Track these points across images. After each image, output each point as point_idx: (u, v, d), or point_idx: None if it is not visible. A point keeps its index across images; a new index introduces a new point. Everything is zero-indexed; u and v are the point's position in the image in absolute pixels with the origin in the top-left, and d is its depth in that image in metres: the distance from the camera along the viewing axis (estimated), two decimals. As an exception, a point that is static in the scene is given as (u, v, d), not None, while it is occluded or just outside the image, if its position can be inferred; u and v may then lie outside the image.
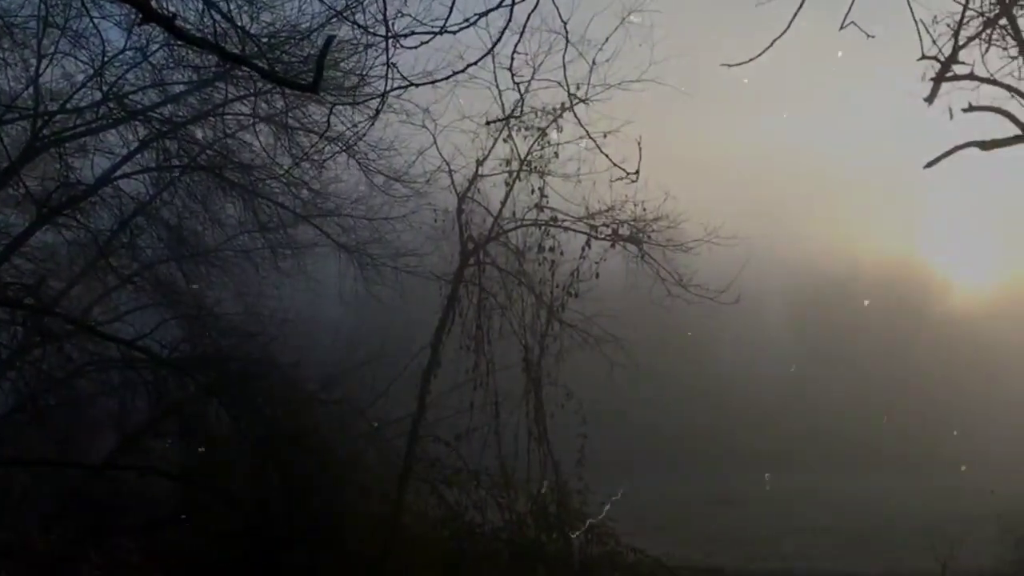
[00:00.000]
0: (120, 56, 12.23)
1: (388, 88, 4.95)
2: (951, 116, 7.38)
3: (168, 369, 13.00)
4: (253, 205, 14.38)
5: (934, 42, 7.24)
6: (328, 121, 10.51)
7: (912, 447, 22.08)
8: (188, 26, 8.63)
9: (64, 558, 11.74)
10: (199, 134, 13.83)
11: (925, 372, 23.85)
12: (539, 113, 13.85)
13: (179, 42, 10.55)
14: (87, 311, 13.77)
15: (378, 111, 6.27)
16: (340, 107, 10.99)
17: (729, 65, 7.30)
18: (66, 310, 13.10)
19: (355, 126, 11.04)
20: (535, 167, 14.19)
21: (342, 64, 11.65)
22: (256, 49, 9.61)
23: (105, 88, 12.27)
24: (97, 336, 12.90)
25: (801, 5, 7.18)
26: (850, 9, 7.12)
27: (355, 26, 6.90)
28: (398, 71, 4.72)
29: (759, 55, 7.22)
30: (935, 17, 7.52)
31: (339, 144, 12.04)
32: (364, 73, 9.43)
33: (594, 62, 11.98)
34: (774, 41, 7.20)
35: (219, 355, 13.74)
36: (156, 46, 12.08)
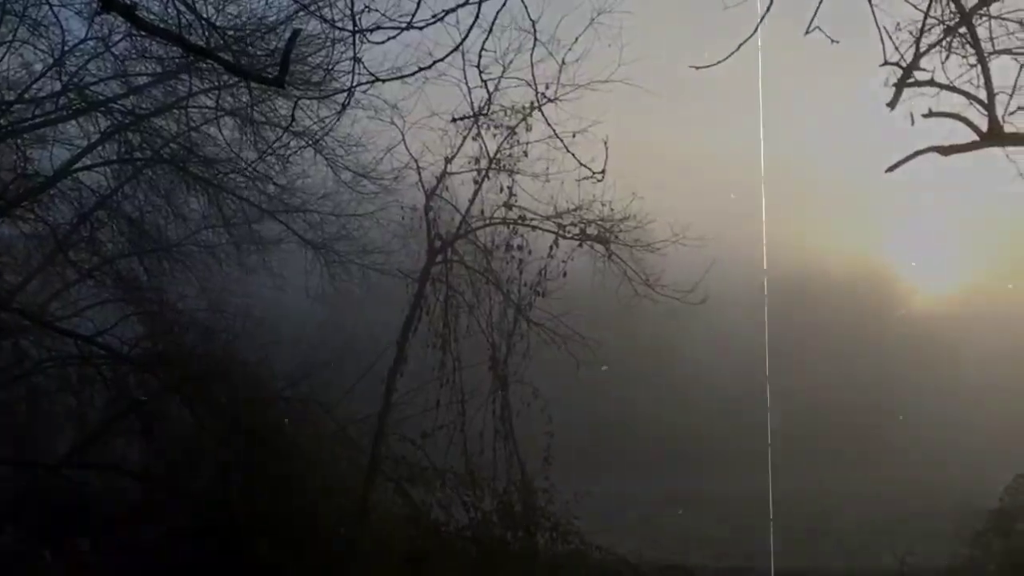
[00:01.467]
0: (81, 46, 12.03)
1: (355, 83, 4.91)
2: (912, 122, 7.51)
3: (128, 366, 12.79)
4: (217, 200, 14.19)
5: (896, 48, 7.37)
6: (293, 115, 10.40)
7: (873, 445, 22.43)
8: (151, 16, 8.47)
9: (20, 558, 11.49)
10: (163, 127, 13.60)
11: (888, 373, 24.24)
12: (508, 111, 13.86)
13: (141, 32, 10.36)
14: (45, 306, 13.48)
15: (344, 106, 6.21)
16: (306, 102, 10.89)
17: (697, 67, 7.37)
18: (23, 305, 12.81)
19: (322, 121, 10.94)
20: (504, 165, 14.19)
21: (309, 59, 11.55)
22: (221, 42, 9.48)
23: (65, 78, 12.04)
24: (55, 332, 12.64)
25: (768, 9, 7.26)
26: (815, 14, 7.21)
27: (322, 20, 6.84)
28: (364, 66, 4.68)
29: (727, 58, 7.29)
30: (898, 24, 7.65)
31: (305, 139, 11.94)
32: (330, 68, 9.35)
33: (563, 61, 12.01)
34: (742, 44, 7.29)
35: (181, 352, 13.52)
36: (118, 36, 11.89)
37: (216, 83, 11.89)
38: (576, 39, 12.31)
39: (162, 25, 7.37)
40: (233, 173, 13.76)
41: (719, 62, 7.30)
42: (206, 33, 7.82)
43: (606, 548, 13.54)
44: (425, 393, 13.84)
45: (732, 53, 7.27)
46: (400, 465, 13.54)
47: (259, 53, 10.94)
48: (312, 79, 11.37)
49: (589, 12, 12.52)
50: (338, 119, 9.30)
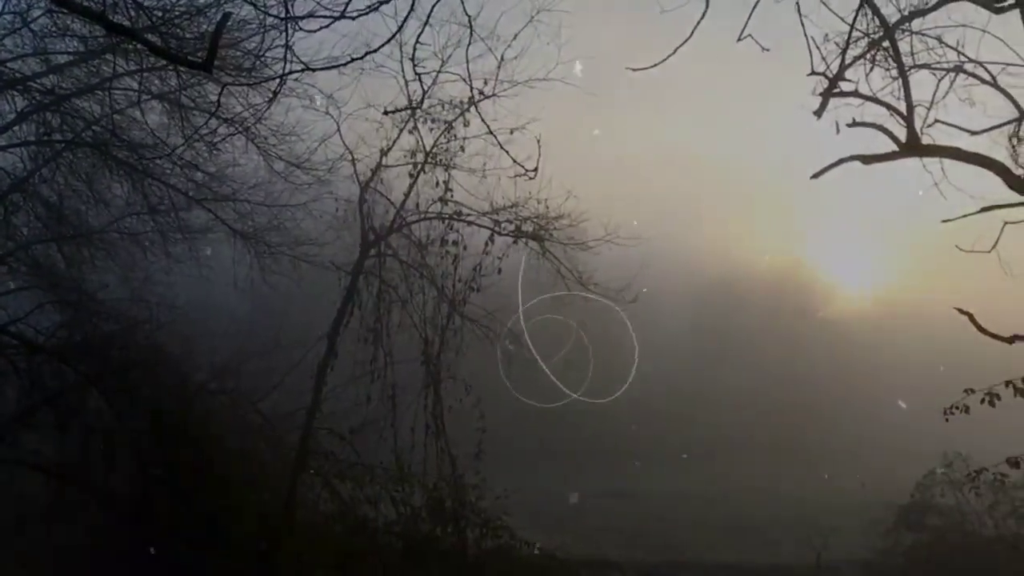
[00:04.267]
0: (-4, 21, 11.42)
1: (286, 71, 4.79)
2: (838, 130, 7.77)
3: (43, 356, 12.25)
4: (142, 186, 13.69)
5: (823, 59, 7.61)
6: (219, 101, 10.09)
7: (797, 442, 23.14)
8: (73, -8, 8.10)
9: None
10: (84, 108, 13.04)
11: (810, 371, 25.02)
12: (446, 106, 13.78)
13: (62, 9, 9.91)
14: (-47, 293, 12.83)
15: (275, 93, 6.08)
16: (238, 89, 10.59)
17: (633, 69, 7.46)
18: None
19: (253, 108, 10.66)
20: (440, 160, 14.11)
21: (243, 44, 11.24)
22: (148, 22, 9.13)
23: (-23, 54, 11.43)
24: (-36, 320, 12.04)
25: (704, 15, 7.40)
26: (747, 22, 7.38)
27: (254, 6, 6.65)
28: (294, 54, 4.58)
29: (662, 61, 7.41)
30: (826, 35, 7.89)
31: (236, 126, 11.61)
32: (261, 54, 9.10)
33: (502, 58, 12.00)
34: (677, 48, 7.41)
35: (101, 342, 13.02)
36: (38, 12, 11.33)
37: (142, 65, 11.47)
38: (515, 36, 12.32)
39: (85, 2, 7.05)
40: (159, 159, 13.28)
41: (655, 65, 7.41)
42: (132, 13, 7.54)
43: (535, 544, 13.62)
44: (356, 388, 13.67)
45: (668, 57, 7.39)
46: (328, 460, 13.35)
47: (188, 36, 10.57)
48: (244, 65, 11.07)
49: (529, 9, 12.54)
50: (269, 107, 9.09)
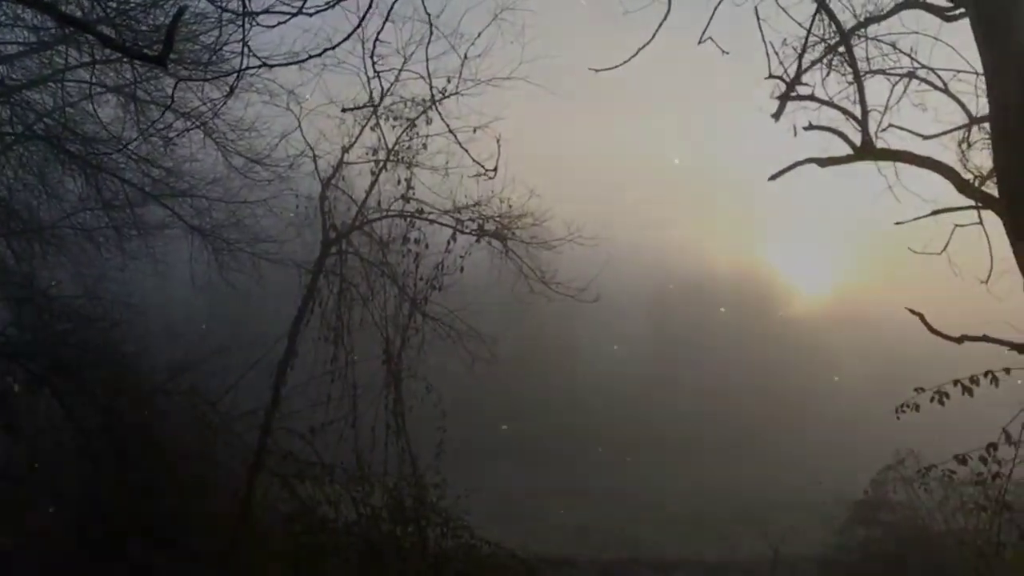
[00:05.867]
0: (-60, 9, 11.06)
1: (243, 66, 4.72)
2: (795, 133, 7.91)
3: (-9, 355, 11.91)
4: (96, 180, 13.37)
5: (781, 63, 7.74)
6: (173, 95, 9.91)
7: (755, 440, 23.51)
8: (24, -18, 7.89)
9: None
10: (36, 100, 12.71)
11: (769, 371, 25.43)
12: (409, 103, 13.72)
13: (11, -1, 9.65)
14: None
15: (232, 89, 5.98)
16: (196, 83, 10.40)
17: (596, 70, 7.51)
18: None
19: (211, 103, 10.48)
20: (403, 158, 14.04)
21: (201, 38, 11.05)
22: (103, 14, 8.94)
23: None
24: (-93, 317, 11.65)
25: (666, 17, 7.47)
26: (708, 25, 7.48)
27: (211, 1, 6.53)
28: (251, 50, 4.51)
29: (625, 62, 7.48)
30: (784, 40, 8.04)
31: (193, 121, 11.39)
32: (218, 49, 8.95)
33: (466, 56, 11.95)
34: (640, 50, 7.48)
35: (52, 341, 12.68)
36: (-14, 1, 10.99)
37: (97, 57, 11.20)
38: (479, 34, 12.31)
39: (35, -8, 6.88)
40: (114, 153, 12.98)
41: (617, 66, 7.48)
42: (86, 4, 7.36)
43: (495, 542, 13.61)
44: (316, 387, 13.52)
45: (630, 58, 7.47)
46: (287, 460, 13.17)
47: (144, 29, 10.35)
48: (201, 59, 10.87)
49: (493, 8, 12.55)
50: (225, 102, 8.93)
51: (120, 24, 9.84)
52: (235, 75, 5.09)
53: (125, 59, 10.51)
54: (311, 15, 4.35)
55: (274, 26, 4.51)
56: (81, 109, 12.67)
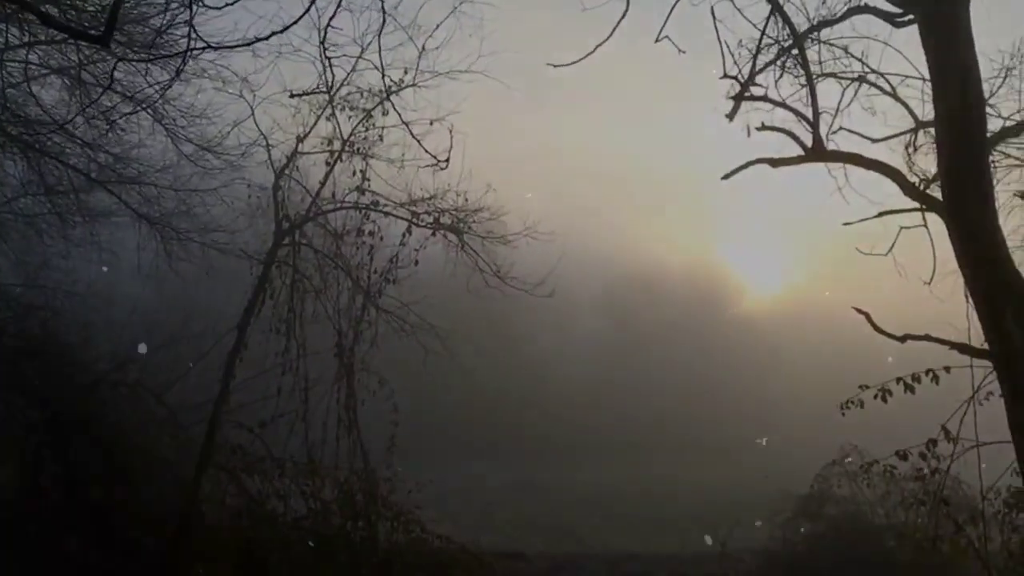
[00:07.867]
0: None
1: (189, 48, 4.59)
2: (748, 134, 8.01)
3: (-75, 343, 11.49)
4: (39, 165, 12.95)
5: (735, 63, 7.83)
6: (112, 75, 9.60)
7: (705, 435, 23.84)
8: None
9: None
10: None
11: (719, 367, 25.82)
12: (365, 94, 13.55)
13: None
14: None
15: (179, 71, 5.82)
16: (144, 66, 10.11)
17: (554, 65, 7.51)
18: None
19: (159, 86, 10.20)
20: (358, 148, 13.86)
21: (151, 21, 10.75)
22: (46, -8, 8.64)
23: None
24: None
25: (624, 14, 7.50)
26: (665, 24, 7.53)
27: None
28: (196, 32, 4.38)
29: (582, 58, 7.50)
30: (740, 41, 8.13)
31: (139, 104, 11.07)
32: (163, 29, 8.70)
33: (424, 48, 11.83)
34: (597, 47, 7.50)
35: (-10, 329, 12.29)
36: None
37: (38, 36, 10.82)
38: (437, 26, 12.19)
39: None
40: (58, 136, 12.57)
41: (574, 62, 7.50)
42: (28, -20, 7.09)
43: (446, 536, 13.58)
44: (267, 380, 13.30)
45: (588, 55, 7.49)
46: (236, 454, 12.95)
47: (90, 9, 10.04)
48: (146, 41, 10.56)
49: (451, 0, 12.42)
50: (170, 85, 8.69)
51: (65, 3, 9.54)
52: (178, 56, 4.95)
53: (71, 40, 10.17)
54: (261, -2, 4.25)
55: (221, 8, 4.40)
56: (23, 91, 12.24)
